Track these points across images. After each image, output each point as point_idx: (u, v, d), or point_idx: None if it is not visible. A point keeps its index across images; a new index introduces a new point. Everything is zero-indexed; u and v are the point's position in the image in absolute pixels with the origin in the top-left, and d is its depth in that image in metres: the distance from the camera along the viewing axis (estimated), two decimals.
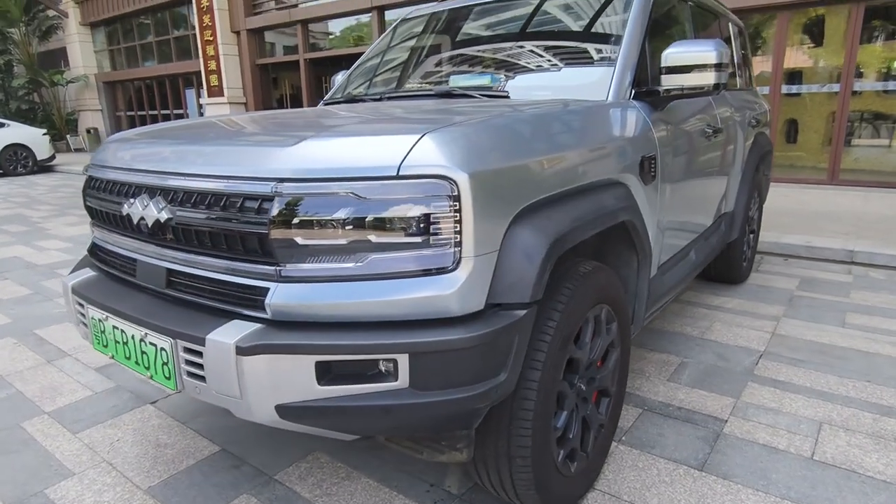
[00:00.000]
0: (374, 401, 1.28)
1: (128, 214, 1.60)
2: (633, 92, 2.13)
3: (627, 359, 2.02)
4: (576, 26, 2.51)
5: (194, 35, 14.23)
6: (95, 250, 1.88)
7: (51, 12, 17.77)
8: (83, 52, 17.81)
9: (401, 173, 1.25)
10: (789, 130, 7.84)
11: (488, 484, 1.62)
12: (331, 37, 12.88)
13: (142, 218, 1.55)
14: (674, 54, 2.09)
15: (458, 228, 1.27)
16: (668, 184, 2.21)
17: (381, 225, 1.26)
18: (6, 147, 12.65)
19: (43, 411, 2.43)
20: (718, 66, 2.06)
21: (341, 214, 1.26)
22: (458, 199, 1.25)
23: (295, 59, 13.02)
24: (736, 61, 3.83)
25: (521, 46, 2.53)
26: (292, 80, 13.89)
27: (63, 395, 2.56)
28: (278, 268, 1.31)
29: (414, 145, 1.27)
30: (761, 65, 7.63)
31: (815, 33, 7.35)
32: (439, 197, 1.25)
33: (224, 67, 13.50)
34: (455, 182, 1.25)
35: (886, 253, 4.22)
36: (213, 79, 13.81)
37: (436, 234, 1.26)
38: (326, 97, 2.97)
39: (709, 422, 2.23)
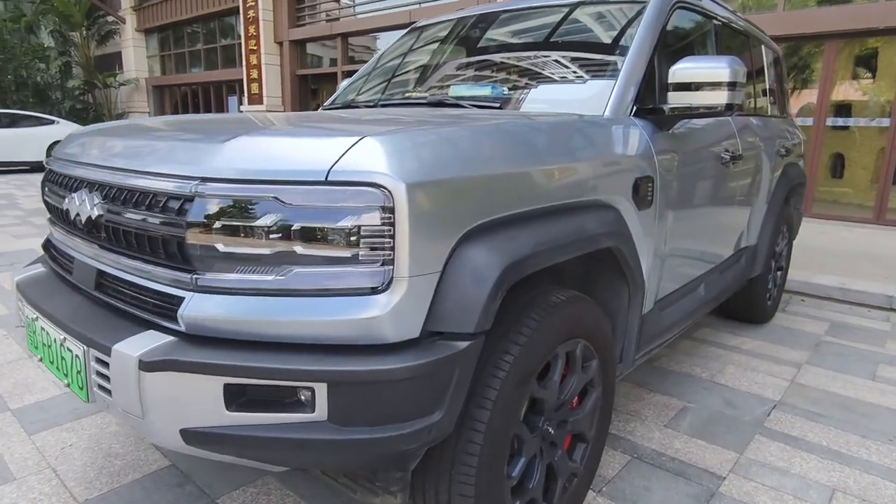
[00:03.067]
0: (287, 433, 1.13)
1: (67, 209, 1.50)
2: (635, 109, 1.95)
3: (610, 401, 1.82)
4: (583, 39, 2.35)
5: (240, 44, 14.60)
6: (48, 246, 1.80)
7: (110, 18, 18.56)
8: (136, 57, 18.52)
9: (330, 179, 1.11)
10: (835, 165, 7.45)
11: None
12: (376, 51, 13.04)
13: (78, 213, 1.45)
14: (682, 70, 1.91)
15: (391, 244, 1.12)
16: (669, 210, 2.01)
17: (306, 235, 1.12)
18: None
19: (8, 408, 2.36)
20: (732, 85, 1.87)
21: (264, 221, 1.13)
22: (392, 211, 1.11)
23: (333, 70, 13.22)
24: (769, 88, 3.59)
25: (526, 58, 2.39)
26: (330, 91, 14.07)
27: (32, 393, 2.49)
28: (195, 276, 1.19)
29: (348, 149, 1.13)
30: (807, 96, 7.29)
31: (865, 65, 7.00)
32: (371, 208, 1.11)
33: (265, 76, 13.81)
34: (390, 192, 1.10)
35: None
36: (254, 87, 14.12)
37: (365, 249, 1.12)
38: (327, 103, 2.89)
39: (704, 478, 1.99)
